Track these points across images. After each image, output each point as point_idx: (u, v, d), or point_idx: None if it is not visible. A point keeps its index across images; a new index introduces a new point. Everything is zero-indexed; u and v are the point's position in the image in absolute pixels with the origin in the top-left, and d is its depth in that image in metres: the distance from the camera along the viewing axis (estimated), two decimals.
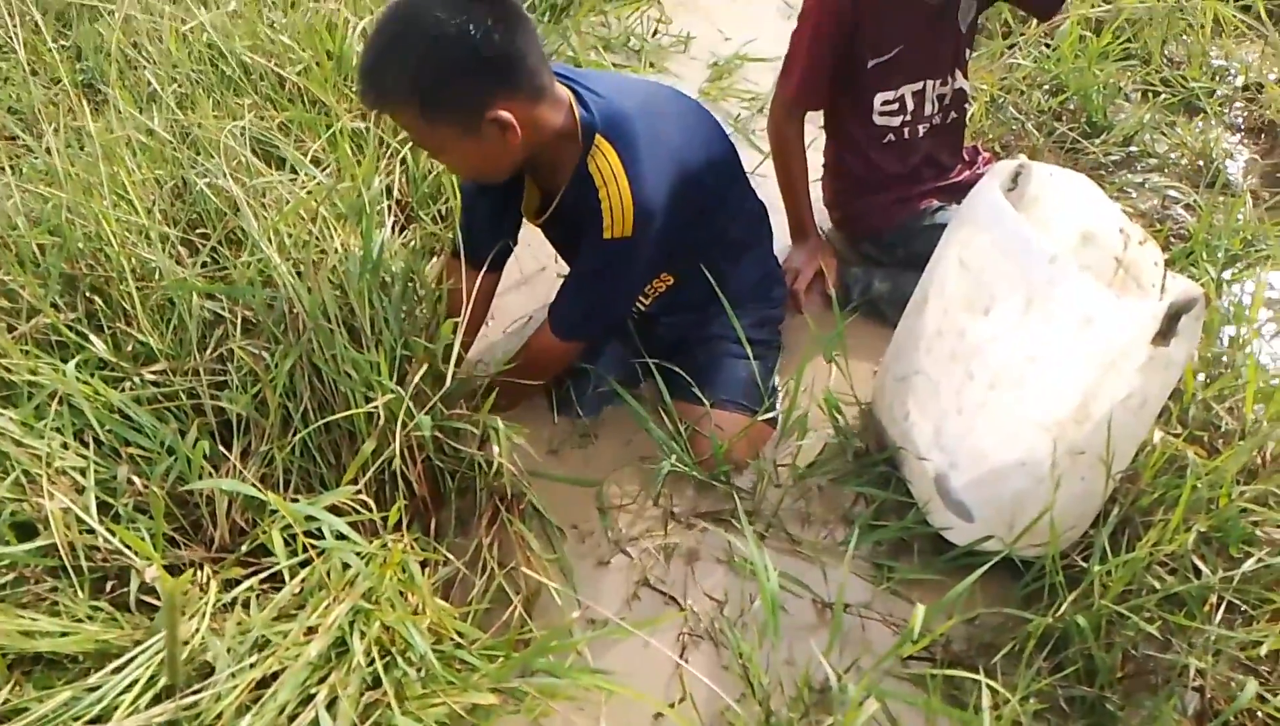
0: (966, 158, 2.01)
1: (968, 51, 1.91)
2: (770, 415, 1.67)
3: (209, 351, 1.47)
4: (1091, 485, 1.41)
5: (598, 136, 1.43)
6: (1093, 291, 1.41)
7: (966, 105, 1.97)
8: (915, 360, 1.57)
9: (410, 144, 1.89)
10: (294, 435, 1.43)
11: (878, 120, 1.89)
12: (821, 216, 2.06)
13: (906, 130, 1.91)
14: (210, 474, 1.39)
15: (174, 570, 1.31)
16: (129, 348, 1.48)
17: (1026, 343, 1.42)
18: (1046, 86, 2.42)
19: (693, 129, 1.55)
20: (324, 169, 1.71)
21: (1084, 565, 1.42)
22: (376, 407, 1.39)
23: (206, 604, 1.22)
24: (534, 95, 1.39)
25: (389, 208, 1.64)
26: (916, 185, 1.94)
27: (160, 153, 1.65)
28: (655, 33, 2.67)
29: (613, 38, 2.60)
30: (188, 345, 1.48)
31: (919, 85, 1.86)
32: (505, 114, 1.35)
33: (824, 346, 1.64)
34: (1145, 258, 1.52)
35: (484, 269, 1.62)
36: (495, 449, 1.46)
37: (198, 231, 1.60)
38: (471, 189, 1.62)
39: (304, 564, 1.29)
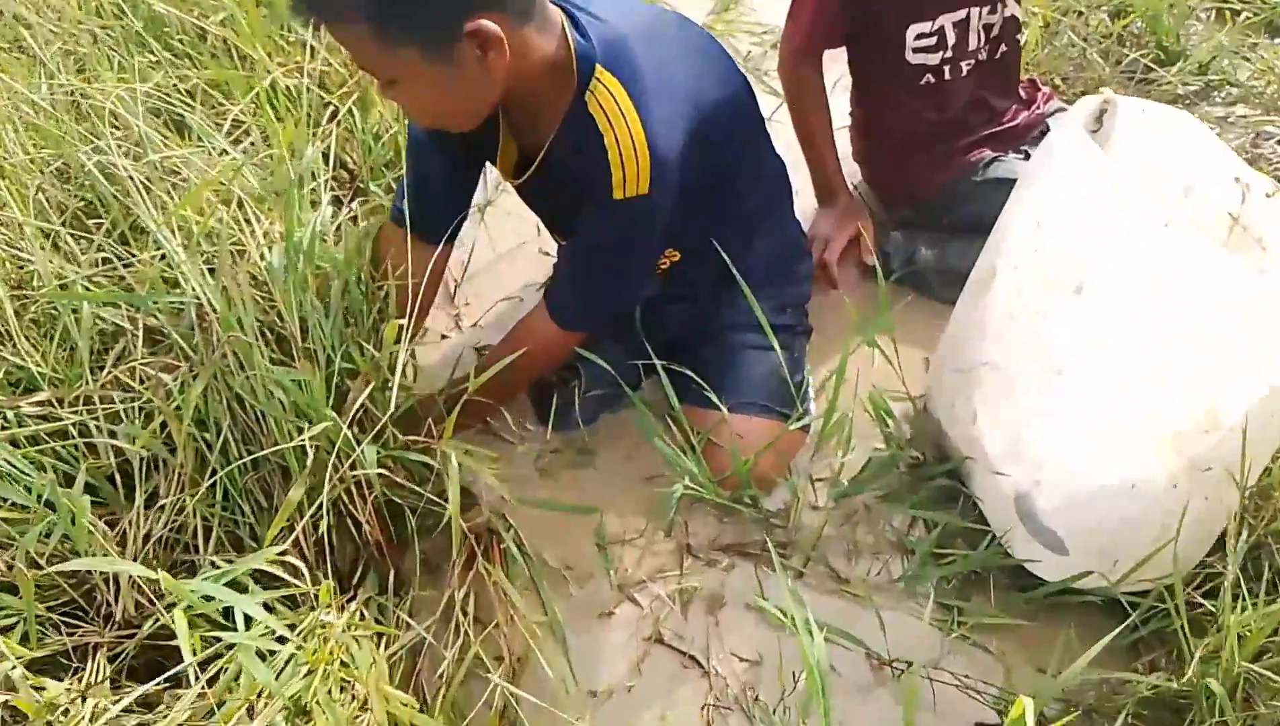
0: (1023, 96, 1.68)
1: None
2: (804, 422, 1.36)
3: (104, 373, 1.18)
4: (1215, 506, 1.12)
5: (598, 68, 1.12)
6: (1219, 262, 1.10)
7: (1019, 36, 1.63)
8: (982, 349, 1.27)
9: (357, 96, 1.57)
10: (212, 476, 1.14)
11: (912, 58, 1.55)
12: (852, 171, 1.75)
13: (947, 69, 1.57)
14: (105, 532, 1.11)
15: (54, 666, 1.03)
16: (1, 373, 1.19)
17: (1132, 329, 1.12)
18: (1108, 8, 2.07)
19: (707, 66, 1.23)
20: (247, 137, 1.40)
21: (1203, 603, 1.13)
22: (305, 441, 1.10)
23: (85, 715, 0.94)
24: (522, 12, 1.08)
25: (326, 183, 1.33)
26: (963, 135, 1.61)
27: (46, 129, 1.34)
28: None
29: None
30: (79, 367, 1.19)
31: (961, 13, 1.52)
32: (490, 24, 1.03)
33: (866, 331, 1.33)
34: (1272, 214, 1.21)
35: (439, 243, 1.32)
36: (461, 482, 1.17)
37: (94, 222, 1.30)
38: (421, 139, 1.30)
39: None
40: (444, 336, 1.59)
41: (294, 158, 1.31)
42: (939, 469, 1.33)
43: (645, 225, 1.19)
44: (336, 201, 1.55)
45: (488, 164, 1.35)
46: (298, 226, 1.27)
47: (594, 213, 1.19)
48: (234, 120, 1.43)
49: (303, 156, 1.32)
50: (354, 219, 1.42)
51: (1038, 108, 1.67)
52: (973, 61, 1.57)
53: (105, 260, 1.27)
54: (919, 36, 1.54)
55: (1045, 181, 1.22)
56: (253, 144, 1.38)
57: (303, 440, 1.09)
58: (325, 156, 1.39)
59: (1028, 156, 1.62)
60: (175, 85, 1.52)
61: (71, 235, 1.28)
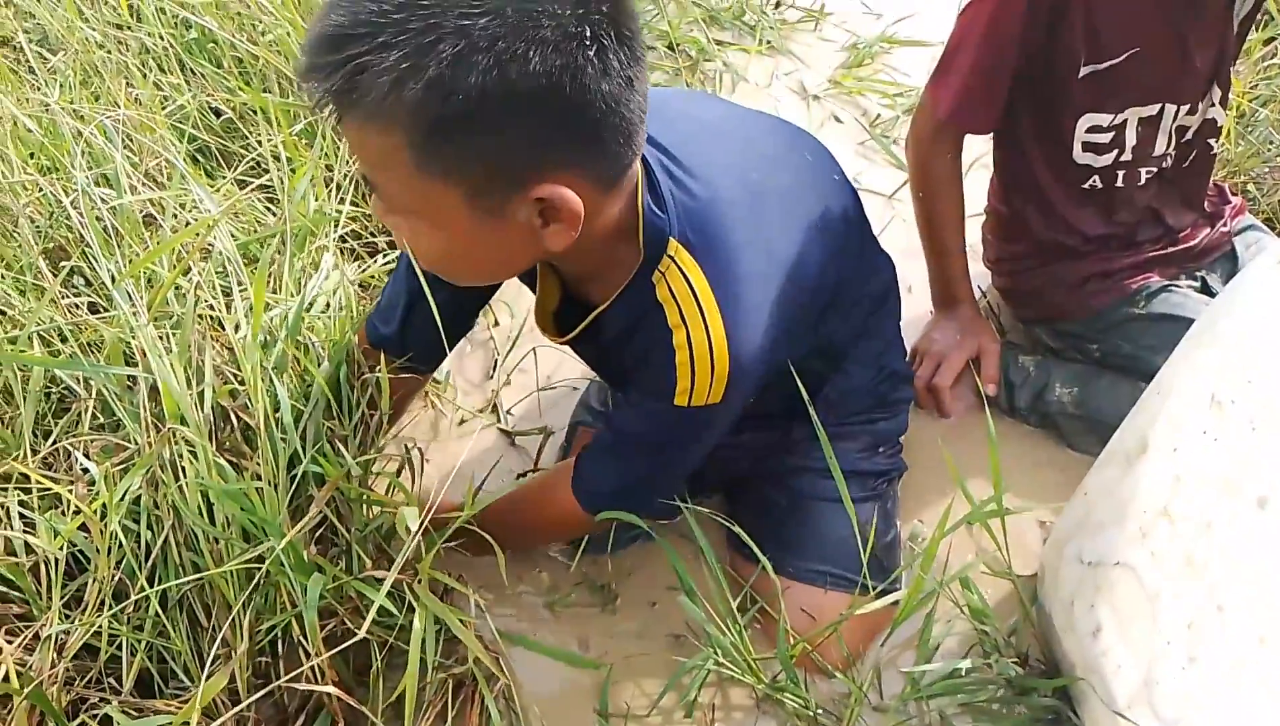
0: (1207, 208, 1.35)
1: (1235, 61, 1.23)
2: (893, 597, 1.07)
3: (37, 456, 1.00)
4: None
5: (673, 244, 0.86)
6: None
7: (1215, 142, 1.28)
8: (1119, 544, 0.97)
9: None
10: (140, 593, 0.95)
11: (1079, 156, 1.23)
12: (978, 273, 1.45)
13: (1121, 174, 1.24)
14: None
15: None
16: None
17: None
18: None
19: (807, 200, 0.96)
20: (265, 175, 1.21)
21: None
22: (233, 568, 0.89)
23: None
24: (610, 178, 0.81)
25: (335, 238, 1.13)
26: (1127, 253, 1.29)
27: (43, 148, 1.19)
28: (779, 4, 2.08)
29: (722, 10, 2.02)
30: (19, 437, 1.02)
31: (1152, 109, 1.19)
32: (571, 197, 0.77)
33: (974, 508, 1.04)
34: None
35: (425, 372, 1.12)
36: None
37: (65, 265, 1.13)
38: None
39: None
40: (471, 419, 1.37)
41: (294, 205, 1.11)
42: (1043, 684, 1.04)
43: (705, 429, 0.95)
44: (370, 253, 1.36)
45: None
46: (293, 291, 1.08)
47: (648, 406, 0.95)
48: (257, 156, 1.25)
49: (306, 205, 1.13)
50: (356, 287, 1.21)
51: (1224, 224, 1.33)
52: (1154, 170, 1.24)
53: (91, 307, 1.10)
54: (1092, 130, 1.21)
55: (1229, 342, 0.92)
56: (264, 185, 1.19)
57: (228, 568, 0.89)
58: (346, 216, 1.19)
59: (1204, 285, 1.30)
60: (208, 107, 1.36)
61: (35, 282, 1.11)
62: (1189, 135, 1.23)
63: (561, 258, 0.89)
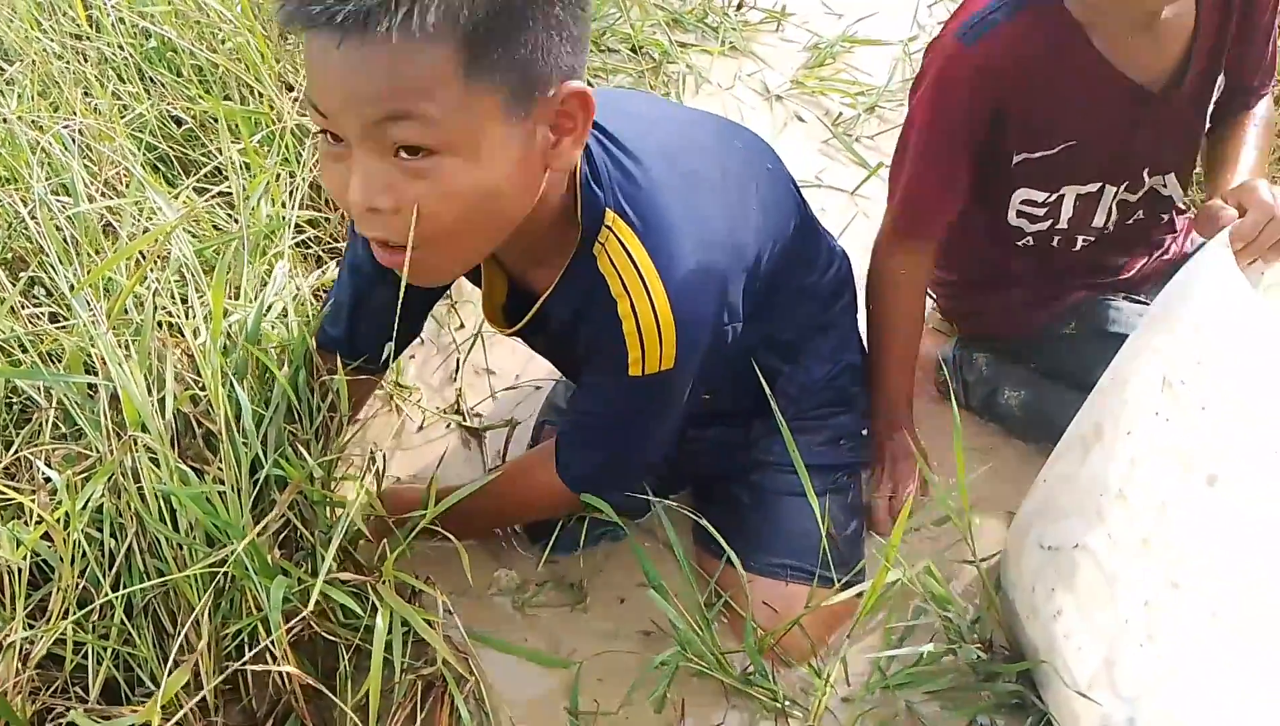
0: (1154, 238, 1.30)
1: (1198, 147, 1.20)
2: (856, 589, 1.08)
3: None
4: None
5: (609, 214, 0.88)
6: None
7: (1168, 215, 1.26)
8: (1077, 528, 0.99)
9: None
10: (96, 605, 0.95)
11: (1013, 220, 1.22)
12: None
13: (1057, 238, 1.23)
14: None
15: None
16: None
17: None
18: None
19: (738, 188, 0.99)
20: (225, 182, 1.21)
21: None
22: (195, 573, 0.89)
23: None
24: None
25: (292, 243, 1.13)
26: (1064, 282, 1.28)
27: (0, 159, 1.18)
28: (740, 6, 2.10)
29: (685, 12, 2.03)
30: None
31: (1091, 187, 1.18)
32: (579, 86, 0.79)
33: (939, 496, 1.06)
34: None
35: (377, 371, 1.10)
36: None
37: (25, 275, 1.13)
38: (364, 264, 1.02)
39: None
40: (435, 421, 1.37)
41: (250, 211, 1.11)
42: (1007, 668, 1.05)
43: (666, 397, 0.97)
44: (330, 256, 1.36)
45: None
46: (251, 297, 1.08)
47: (605, 385, 0.98)
48: (217, 163, 1.25)
49: (257, 210, 1.13)
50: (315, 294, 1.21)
51: (1164, 252, 1.30)
52: (1092, 238, 1.23)
53: (51, 317, 1.10)
54: (1026, 202, 1.20)
55: (1180, 328, 0.93)
56: (224, 192, 1.19)
57: (191, 571, 0.89)
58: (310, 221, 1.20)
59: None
60: (168, 116, 1.36)
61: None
62: (1131, 207, 1.21)
63: (506, 244, 0.90)
